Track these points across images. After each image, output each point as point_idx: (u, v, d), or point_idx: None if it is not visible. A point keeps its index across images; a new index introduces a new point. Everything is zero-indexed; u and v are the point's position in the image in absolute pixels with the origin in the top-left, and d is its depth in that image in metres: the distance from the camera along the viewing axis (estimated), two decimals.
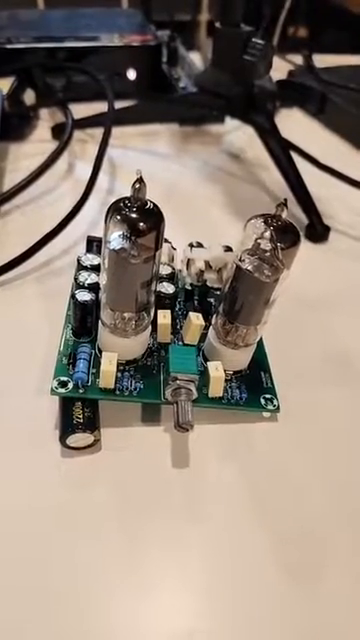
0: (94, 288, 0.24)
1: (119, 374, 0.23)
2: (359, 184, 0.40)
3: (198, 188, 0.42)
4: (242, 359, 0.24)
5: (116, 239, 0.19)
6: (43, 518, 0.20)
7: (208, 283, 0.28)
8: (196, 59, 0.61)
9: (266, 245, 0.20)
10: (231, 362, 0.24)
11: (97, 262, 0.26)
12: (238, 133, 0.51)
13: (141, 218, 0.19)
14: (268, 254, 0.20)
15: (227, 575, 0.19)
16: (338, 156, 0.46)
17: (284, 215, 0.20)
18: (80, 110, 0.46)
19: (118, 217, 0.19)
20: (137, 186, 0.19)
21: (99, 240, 0.27)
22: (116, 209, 0.19)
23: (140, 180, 0.19)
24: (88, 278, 0.25)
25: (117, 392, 0.22)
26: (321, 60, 0.61)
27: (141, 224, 0.19)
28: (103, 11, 0.64)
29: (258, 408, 0.23)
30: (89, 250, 0.29)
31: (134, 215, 0.19)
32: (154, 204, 0.19)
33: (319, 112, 0.53)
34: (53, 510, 0.20)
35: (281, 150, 0.41)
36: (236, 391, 0.24)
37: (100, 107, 0.43)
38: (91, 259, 0.26)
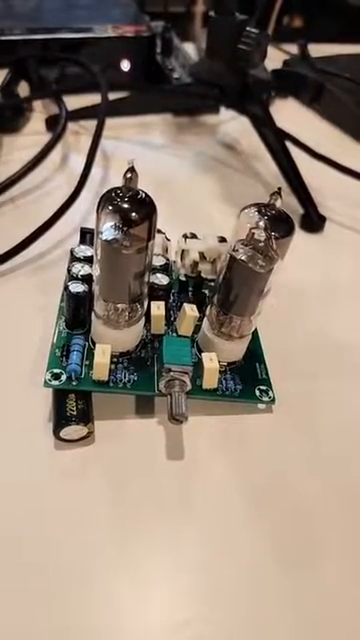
0: (87, 280, 0.24)
1: (113, 366, 0.23)
2: (355, 173, 0.40)
3: (193, 179, 0.42)
4: (237, 350, 0.24)
5: (108, 230, 0.19)
6: (36, 511, 0.20)
7: (202, 274, 0.28)
8: (190, 50, 0.61)
9: (260, 235, 0.20)
10: (226, 353, 0.24)
11: (90, 253, 0.26)
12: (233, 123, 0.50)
13: (133, 208, 0.19)
14: (262, 244, 0.20)
15: (222, 567, 0.19)
16: (333, 145, 0.46)
17: (278, 204, 0.20)
18: (74, 102, 0.45)
19: (110, 207, 0.19)
20: (129, 176, 0.18)
21: (92, 231, 0.27)
22: (108, 199, 0.19)
23: (132, 170, 0.18)
24: (81, 270, 0.24)
25: (111, 384, 0.22)
26: (316, 49, 0.60)
27: (133, 214, 0.19)
28: (97, 2, 0.63)
29: (253, 399, 0.23)
30: (82, 242, 0.29)
31: (126, 205, 0.19)
32: (146, 194, 0.19)
33: (314, 101, 0.53)
34: (46, 503, 0.20)
35: (276, 140, 0.40)
36: (231, 382, 0.24)
37: (94, 99, 0.43)
38: (84, 250, 0.26)
